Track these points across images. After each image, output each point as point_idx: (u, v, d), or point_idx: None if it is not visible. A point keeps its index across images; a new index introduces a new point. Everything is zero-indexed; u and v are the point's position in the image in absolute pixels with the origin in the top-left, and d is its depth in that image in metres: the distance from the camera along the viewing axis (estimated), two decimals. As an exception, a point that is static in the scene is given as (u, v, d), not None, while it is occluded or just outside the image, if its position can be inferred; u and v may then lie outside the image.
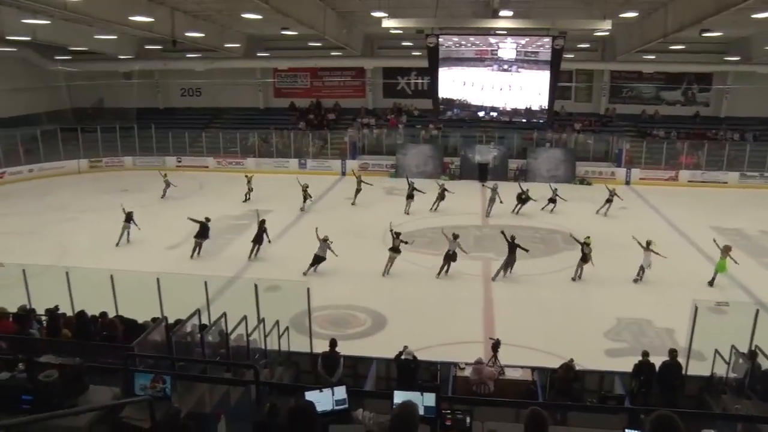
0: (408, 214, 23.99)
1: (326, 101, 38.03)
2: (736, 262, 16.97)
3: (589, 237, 17.53)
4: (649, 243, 17.23)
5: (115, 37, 28.27)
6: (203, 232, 19.49)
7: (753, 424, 6.84)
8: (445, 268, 17.78)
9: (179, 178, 30.87)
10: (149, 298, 11.24)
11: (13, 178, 30.15)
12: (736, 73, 32.64)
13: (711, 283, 17.22)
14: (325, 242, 17.78)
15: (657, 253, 17.01)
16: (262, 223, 19.49)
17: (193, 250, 19.34)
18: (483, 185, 23.92)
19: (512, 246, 17.28)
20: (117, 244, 20.18)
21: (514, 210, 24.35)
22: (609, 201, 24.23)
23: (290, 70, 37.68)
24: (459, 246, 17.75)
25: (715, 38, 26.71)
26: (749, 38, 29.32)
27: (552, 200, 24.61)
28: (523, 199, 24.19)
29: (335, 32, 27.82)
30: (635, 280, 17.38)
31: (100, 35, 27.03)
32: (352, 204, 25.74)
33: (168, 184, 26.90)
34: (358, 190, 26.05)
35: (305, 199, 25.10)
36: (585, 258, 17.28)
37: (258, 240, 19.26)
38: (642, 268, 17.38)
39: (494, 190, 24.67)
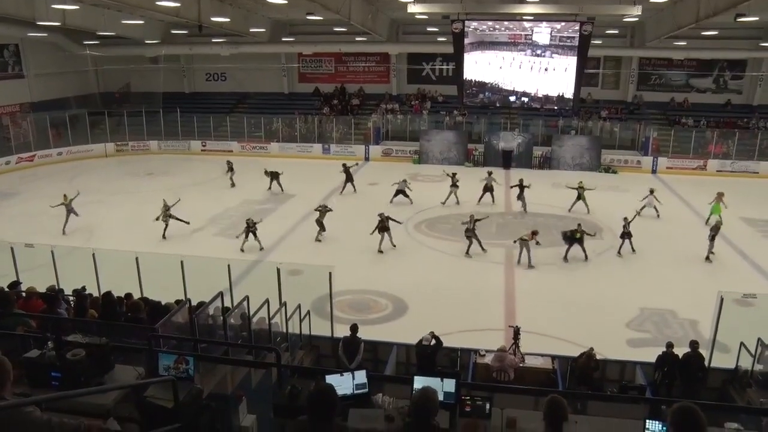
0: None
1: (350, 86, 38.04)
2: (725, 206, 20.70)
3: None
4: (652, 191, 22.36)
5: (142, 22, 28.51)
6: (276, 174, 25.13)
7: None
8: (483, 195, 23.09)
9: (204, 163, 31.26)
10: (173, 280, 11.44)
11: (43, 161, 30.77)
12: (771, 60, 31.91)
13: (707, 222, 20.96)
14: (404, 182, 23.10)
15: (655, 197, 21.97)
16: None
17: (269, 185, 25.15)
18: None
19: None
20: None
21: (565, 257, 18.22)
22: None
23: (315, 55, 37.67)
24: (494, 179, 23.34)
25: (751, 23, 26.02)
26: (786, 24, 28.60)
27: (626, 234, 18.53)
28: (577, 238, 17.85)
29: (360, 17, 27.71)
30: (637, 214, 20.64)
31: (128, 20, 27.29)
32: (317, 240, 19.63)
33: (70, 211, 20.33)
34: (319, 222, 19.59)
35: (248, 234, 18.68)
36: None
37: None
38: (644, 207, 21.60)
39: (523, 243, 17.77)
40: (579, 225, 18.17)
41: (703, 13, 22.34)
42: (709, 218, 21.03)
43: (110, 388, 5.36)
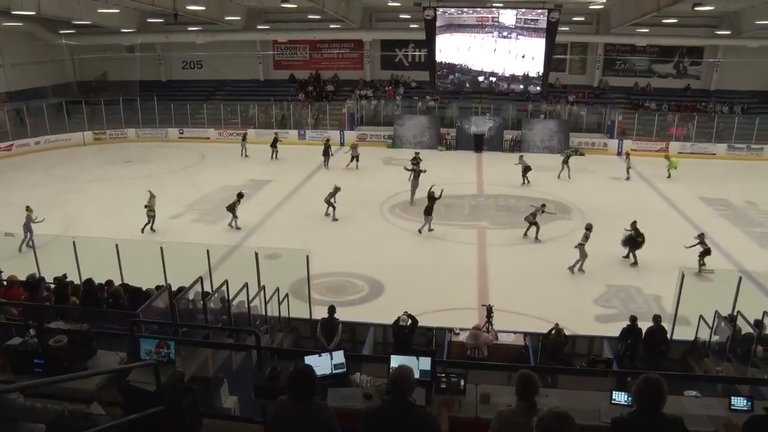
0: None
1: (325, 73, 38.41)
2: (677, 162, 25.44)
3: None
4: (628, 153, 26.51)
5: (118, 10, 28.51)
6: (274, 142, 28.46)
7: (732, 385, 7.07)
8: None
9: (181, 150, 31.58)
10: (153, 267, 11.47)
11: (21, 150, 30.64)
12: (726, 47, 32.98)
13: (668, 176, 25.44)
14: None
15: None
16: None
17: (272, 155, 28.63)
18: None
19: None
20: None
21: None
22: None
23: (290, 42, 37.94)
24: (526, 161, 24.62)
25: (707, 12, 27.15)
26: (740, 12, 29.61)
27: (705, 253, 15.88)
28: (633, 238, 16.49)
29: (334, 5, 28.14)
30: (627, 178, 25.36)
31: (103, 9, 27.33)
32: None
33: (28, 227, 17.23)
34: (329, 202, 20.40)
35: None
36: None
37: None
38: (629, 169, 25.44)
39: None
40: (634, 222, 16.48)
41: (664, 2, 23.17)
42: (669, 172, 25.61)
43: (93, 373, 5.40)
